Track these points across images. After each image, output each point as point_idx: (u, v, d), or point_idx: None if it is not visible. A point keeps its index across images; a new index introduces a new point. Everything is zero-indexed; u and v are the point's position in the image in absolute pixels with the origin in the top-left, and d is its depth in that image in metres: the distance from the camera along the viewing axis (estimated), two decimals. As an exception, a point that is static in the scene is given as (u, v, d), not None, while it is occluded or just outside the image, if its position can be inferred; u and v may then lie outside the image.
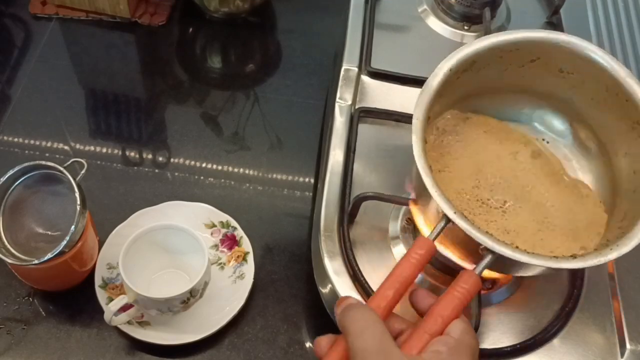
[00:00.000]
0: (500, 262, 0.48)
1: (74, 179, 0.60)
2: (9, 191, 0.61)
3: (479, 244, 0.48)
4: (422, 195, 0.53)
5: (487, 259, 0.48)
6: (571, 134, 0.62)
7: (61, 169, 0.60)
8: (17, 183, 0.61)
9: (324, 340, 0.45)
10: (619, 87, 0.55)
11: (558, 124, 0.63)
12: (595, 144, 0.60)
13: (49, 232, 0.62)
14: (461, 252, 0.54)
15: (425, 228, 0.56)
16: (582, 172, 0.61)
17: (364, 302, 0.47)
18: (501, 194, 0.58)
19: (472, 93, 0.61)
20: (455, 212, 0.48)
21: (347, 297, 0.46)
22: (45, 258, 0.58)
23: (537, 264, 0.48)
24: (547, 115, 0.63)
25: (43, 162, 0.61)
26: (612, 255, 0.48)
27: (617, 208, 0.56)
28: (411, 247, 0.48)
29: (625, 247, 0.49)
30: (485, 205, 0.57)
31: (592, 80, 0.57)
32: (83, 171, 0.62)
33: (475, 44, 0.57)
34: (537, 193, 0.59)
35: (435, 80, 0.54)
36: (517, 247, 0.51)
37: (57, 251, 0.58)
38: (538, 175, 0.60)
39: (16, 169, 0.61)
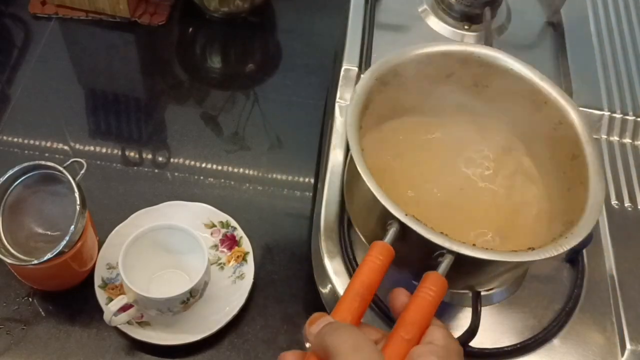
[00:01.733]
0: (458, 265, 0.47)
1: (74, 179, 0.60)
2: (9, 191, 0.61)
3: (436, 246, 0.46)
4: (363, 201, 0.53)
5: (447, 260, 0.46)
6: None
7: (61, 169, 0.60)
8: (16, 183, 0.61)
9: (290, 356, 0.43)
10: (535, 91, 0.57)
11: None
12: (520, 155, 0.61)
13: (49, 232, 0.62)
14: (415, 257, 0.51)
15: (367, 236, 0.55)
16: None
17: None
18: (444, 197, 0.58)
19: (394, 113, 0.60)
20: (407, 215, 0.47)
21: (322, 315, 0.43)
22: (45, 258, 0.58)
23: (497, 259, 0.47)
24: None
25: (43, 162, 0.61)
26: (568, 244, 0.48)
27: (554, 208, 0.56)
28: (369, 252, 0.46)
29: (578, 237, 0.49)
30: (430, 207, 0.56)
31: (508, 91, 0.58)
32: (83, 171, 0.62)
33: (396, 55, 0.58)
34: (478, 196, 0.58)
35: (361, 88, 0.54)
36: (474, 244, 0.50)
37: (57, 251, 0.58)
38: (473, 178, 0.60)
39: (16, 168, 0.60)
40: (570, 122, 0.56)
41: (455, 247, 0.46)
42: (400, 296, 0.45)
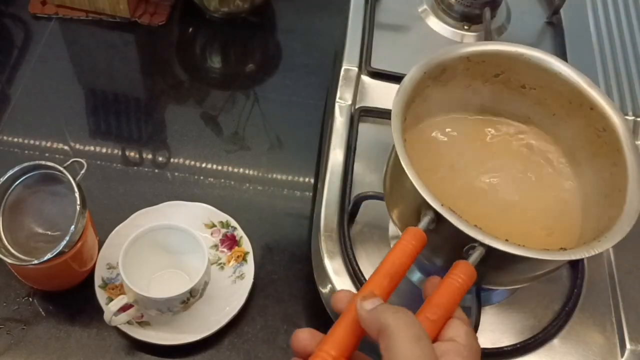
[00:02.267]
0: (489, 259, 0.47)
1: (74, 179, 0.60)
2: (9, 191, 0.61)
3: (468, 238, 0.46)
4: (402, 191, 0.53)
5: (477, 252, 0.47)
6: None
7: (61, 169, 0.60)
8: (17, 183, 0.61)
9: (305, 332, 0.42)
10: (582, 97, 0.56)
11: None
12: (558, 157, 0.61)
13: (49, 232, 0.62)
14: (448, 248, 0.52)
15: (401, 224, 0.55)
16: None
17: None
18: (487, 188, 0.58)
19: (436, 112, 0.61)
20: (442, 205, 0.47)
21: (371, 294, 0.42)
22: (45, 258, 0.58)
23: (530, 256, 0.47)
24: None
25: (43, 162, 0.61)
26: (601, 247, 0.48)
27: (588, 213, 0.56)
28: (402, 237, 0.46)
29: (611, 241, 0.49)
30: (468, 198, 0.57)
31: (555, 94, 0.58)
32: (83, 171, 0.62)
33: (445, 52, 0.57)
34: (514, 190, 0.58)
35: (409, 81, 0.54)
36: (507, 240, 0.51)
37: (57, 251, 0.58)
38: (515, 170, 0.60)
39: (16, 168, 0.61)
40: (614, 130, 0.55)
41: (488, 240, 0.46)
42: (433, 280, 0.46)
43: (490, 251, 0.46)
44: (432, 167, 0.58)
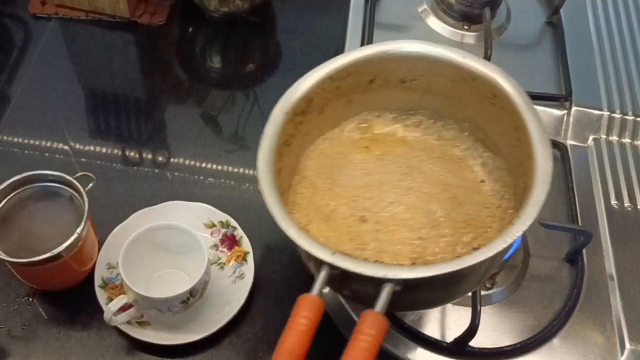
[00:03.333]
0: (405, 289, 0.43)
1: (84, 190, 0.61)
2: (9, 196, 0.62)
3: (371, 279, 0.42)
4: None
5: (385, 290, 0.42)
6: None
7: (72, 180, 0.62)
8: (24, 188, 0.62)
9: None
10: (461, 70, 0.54)
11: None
12: (472, 142, 0.57)
13: (51, 233, 0.63)
14: (363, 290, 0.47)
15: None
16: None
17: None
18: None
19: (322, 132, 0.58)
20: (334, 254, 0.43)
21: None
22: (44, 257, 0.58)
23: (439, 273, 0.43)
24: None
25: (56, 173, 0.63)
26: (515, 233, 0.44)
27: (517, 186, 0.53)
28: (294, 309, 0.42)
29: (524, 223, 0.44)
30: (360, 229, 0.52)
31: (435, 77, 0.55)
32: (91, 184, 0.63)
33: (302, 82, 0.54)
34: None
35: (271, 129, 0.51)
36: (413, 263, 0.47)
37: (56, 252, 0.58)
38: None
39: (28, 174, 0.62)
40: (504, 92, 0.52)
41: (391, 274, 0.42)
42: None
43: (399, 282, 0.43)
44: (328, 201, 0.54)
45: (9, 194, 0.62)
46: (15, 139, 0.78)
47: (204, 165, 0.78)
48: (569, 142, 0.74)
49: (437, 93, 0.57)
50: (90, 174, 0.64)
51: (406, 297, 0.45)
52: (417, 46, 0.55)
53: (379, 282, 0.43)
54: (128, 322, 0.63)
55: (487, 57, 0.71)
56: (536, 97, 0.74)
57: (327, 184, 0.55)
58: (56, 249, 0.58)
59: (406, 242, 0.50)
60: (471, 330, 0.55)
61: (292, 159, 0.55)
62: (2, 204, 0.62)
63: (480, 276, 0.50)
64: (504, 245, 0.44)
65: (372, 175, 0.55)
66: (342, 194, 0.54)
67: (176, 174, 0.77)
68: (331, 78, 0.55)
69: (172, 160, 0.78)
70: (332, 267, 0.44)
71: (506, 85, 0.52)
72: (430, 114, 0.59)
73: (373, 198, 0.54)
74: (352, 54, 0.55)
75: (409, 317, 0.59)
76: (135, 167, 0.77)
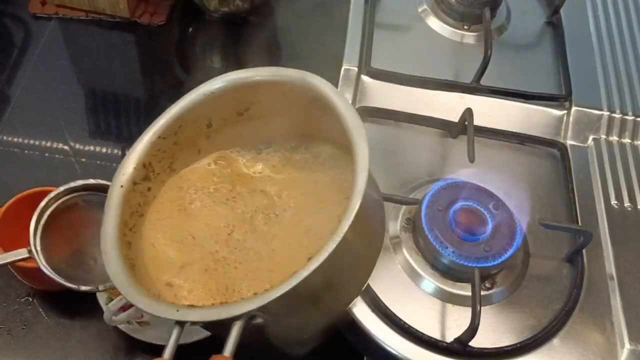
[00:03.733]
0: (265, 323, 0.42)
1: None
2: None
3: (221, 323, 0.41)
4: None
5: (233, 331, 0.41)
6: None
7: None
8: (72, 195, 0.60)
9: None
10: (281, 85, 0.52)
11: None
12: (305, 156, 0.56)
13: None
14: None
15: None
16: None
17: None
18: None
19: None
20: (178, 310, 0.42)
21: None
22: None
23: (276, 296, 0.41)
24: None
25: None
26: (340, 231, 0.42)
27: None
28: None
29: (347, 220, 0.42)
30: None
31: (270, 101, 0.54)
32: None
33: (133, 151, 0.52)
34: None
35: (112, 205, 0.49)
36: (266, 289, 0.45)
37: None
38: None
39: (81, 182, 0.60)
40: (317, 92, 0.50)
41: (225, 314, 0.41)
42: None
43: (252, 317, 0.42)
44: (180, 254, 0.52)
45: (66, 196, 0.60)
46: (15, 139, 0.78)
47: (204, 165, 0.78)
48: (569, 142, 0.73)
49: (273, 116, 0.54)
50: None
51: (276, 329, 0.44)
52: (226, 79, 0.54)
53: (227, 323, 0.42)
54: (128, 322, 0.63)
55: (487, 57, 0.72)
56: (536, 97, 0.74)
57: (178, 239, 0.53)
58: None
59: (256, 276, 0.49)
60: (471, 330, 0.55)
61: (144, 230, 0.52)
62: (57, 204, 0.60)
63: (343, 284, 0.48)
64: (334, 245, 0.42)
65: (223, 219, 0.53)
66: (193, 247, 0.52)
67: (176, 174, 0.77)
68: (162, 137, 0.53)
69: (172, 160, 0.78)
70: (182, 323, 0.43)
71: (311, 81, 0.50)
72: (285, 140, 0.56)
73: (222, 240, 0.52)
74: (174, 107, 0.54)
75: (409, 317, 0.58)
76: (135, 167, 0.77)
